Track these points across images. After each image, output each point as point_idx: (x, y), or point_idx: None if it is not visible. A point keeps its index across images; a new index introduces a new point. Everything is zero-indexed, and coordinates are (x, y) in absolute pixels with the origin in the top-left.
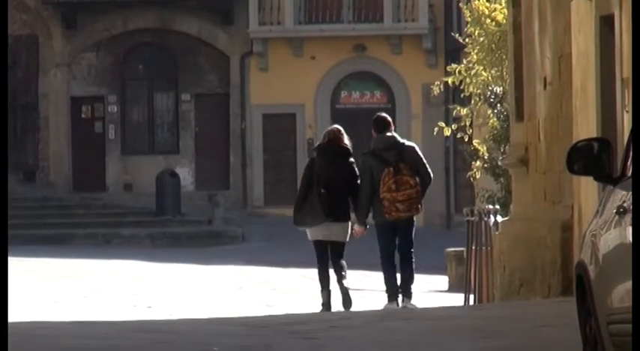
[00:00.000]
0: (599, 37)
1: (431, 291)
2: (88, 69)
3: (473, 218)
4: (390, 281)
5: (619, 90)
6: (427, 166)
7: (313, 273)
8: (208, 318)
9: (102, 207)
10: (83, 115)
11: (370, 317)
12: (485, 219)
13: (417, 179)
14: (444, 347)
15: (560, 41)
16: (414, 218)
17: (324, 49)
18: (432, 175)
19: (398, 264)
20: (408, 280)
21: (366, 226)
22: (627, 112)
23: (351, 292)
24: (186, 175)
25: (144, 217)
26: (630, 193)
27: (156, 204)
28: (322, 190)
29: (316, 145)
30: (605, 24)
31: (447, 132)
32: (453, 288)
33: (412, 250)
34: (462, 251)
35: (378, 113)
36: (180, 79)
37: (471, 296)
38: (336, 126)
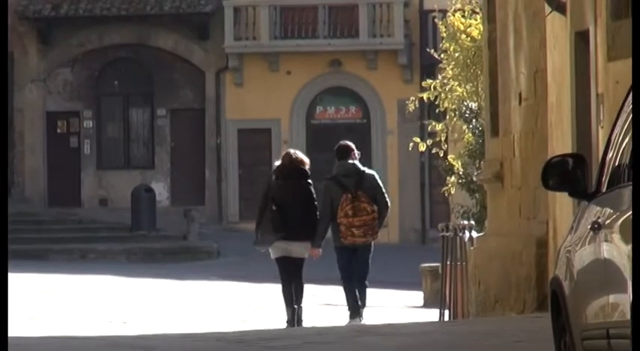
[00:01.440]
0: (575, 53)
1: (406, 306)
2: (63, 84)
3: (448, 234)
4: (351, 300)
5: (594, 105)
6: (385, 194)
7: None
8: (183, 333)
9: (77, 222)
10: (58, 131)
11: (345, 332)
12: (460, 234)
13: (375, 207)
14: None
15: (535, 57)
16: (372, 244)
17: (299, 64)
18: (389, 204)
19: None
20: (361, 303)
21: (320, 247)
22: (602, 127)
23: (304, 318)
24: (161, 190)
25: (119, 233)
26: (605, 208)
27: (131, 219)
28: (273, 207)
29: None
30: (581, 39)
31: (422, 147)
32: (428, 303)
33: (366, 278)
34: (437, 267)
35: (341, 141)
36: (155, 94)
37: (446, 312)
38: (290, 149)
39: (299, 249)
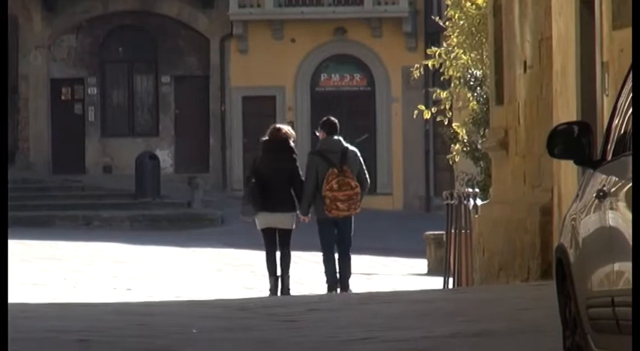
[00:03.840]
0: (580, 21)
1: (410, 274)
2: (67, 51)
3: (452, 201)
4: (330, 273)
5: (599, 73)
6: (366, 172)
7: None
8: (187, 300)
9: (81, 189)
10: (63, 97)
11: (349, 300)
12: (465, 202)
13: (357, 182)
14: (423, 330)
15: (540, 25)
16: (352, 217)
17: (304, 31)
18: (369, 181)
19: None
20: (345, 276)
21: (309, 214)
22: (607, 95)
23: (291, 288)
24: (165, 157)
25: (123, 200)
26: (610, 176)
27: (135, 186)
28: (252, 180)
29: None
30: (586, 7)
31: (427, 115)
32: (432, 271)
33: (349, 248)
34: (442, 234)
35: (327, 117)
36: (160, 61)
37: (450, 279)
38: (277, 124)
39: (284, 220)
